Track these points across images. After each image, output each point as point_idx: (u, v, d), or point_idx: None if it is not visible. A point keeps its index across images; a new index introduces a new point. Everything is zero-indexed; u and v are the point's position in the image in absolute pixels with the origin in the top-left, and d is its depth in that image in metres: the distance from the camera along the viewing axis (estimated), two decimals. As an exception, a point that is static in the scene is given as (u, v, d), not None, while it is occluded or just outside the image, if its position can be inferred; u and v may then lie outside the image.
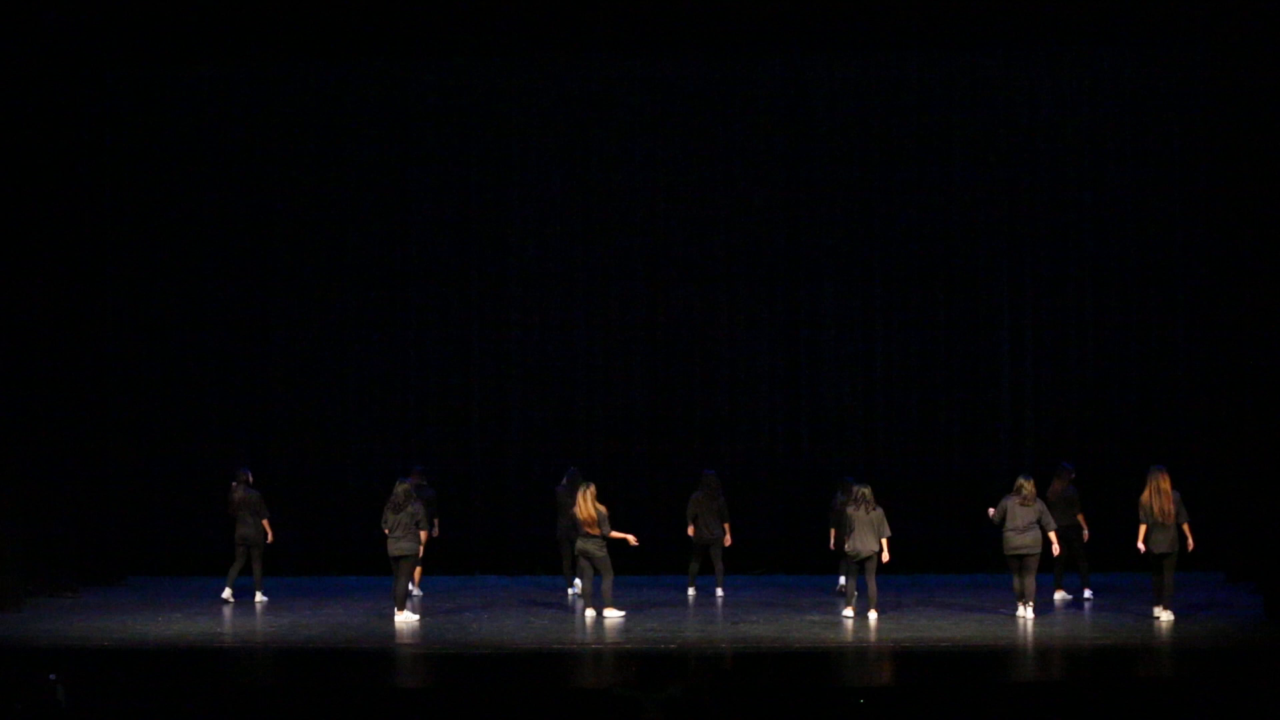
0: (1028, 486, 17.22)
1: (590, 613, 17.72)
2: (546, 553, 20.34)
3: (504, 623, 17.54)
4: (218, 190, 21.68)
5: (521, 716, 12.83)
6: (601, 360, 21.79)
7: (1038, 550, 17.15)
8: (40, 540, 19.02)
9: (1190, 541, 16.98)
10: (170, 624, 17.58)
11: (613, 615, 17.49)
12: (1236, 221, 19.75)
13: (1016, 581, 17.28)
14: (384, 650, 16.21)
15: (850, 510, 17.37)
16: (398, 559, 17.57)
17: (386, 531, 17.62)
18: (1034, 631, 16.64)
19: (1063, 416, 21.32)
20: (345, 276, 21.68)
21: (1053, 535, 17.24)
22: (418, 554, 17.74)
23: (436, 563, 19.74)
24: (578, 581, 18.88)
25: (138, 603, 18.93)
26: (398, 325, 21.72)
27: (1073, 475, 18.63)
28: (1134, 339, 21.26)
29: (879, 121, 21.47)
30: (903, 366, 21.52)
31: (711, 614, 18.16)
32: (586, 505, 17.54)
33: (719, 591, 19.26)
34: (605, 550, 17.62)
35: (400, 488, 17.72)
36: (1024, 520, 17.13)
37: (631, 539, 17.82)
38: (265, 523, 19.03)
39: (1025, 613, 17.14)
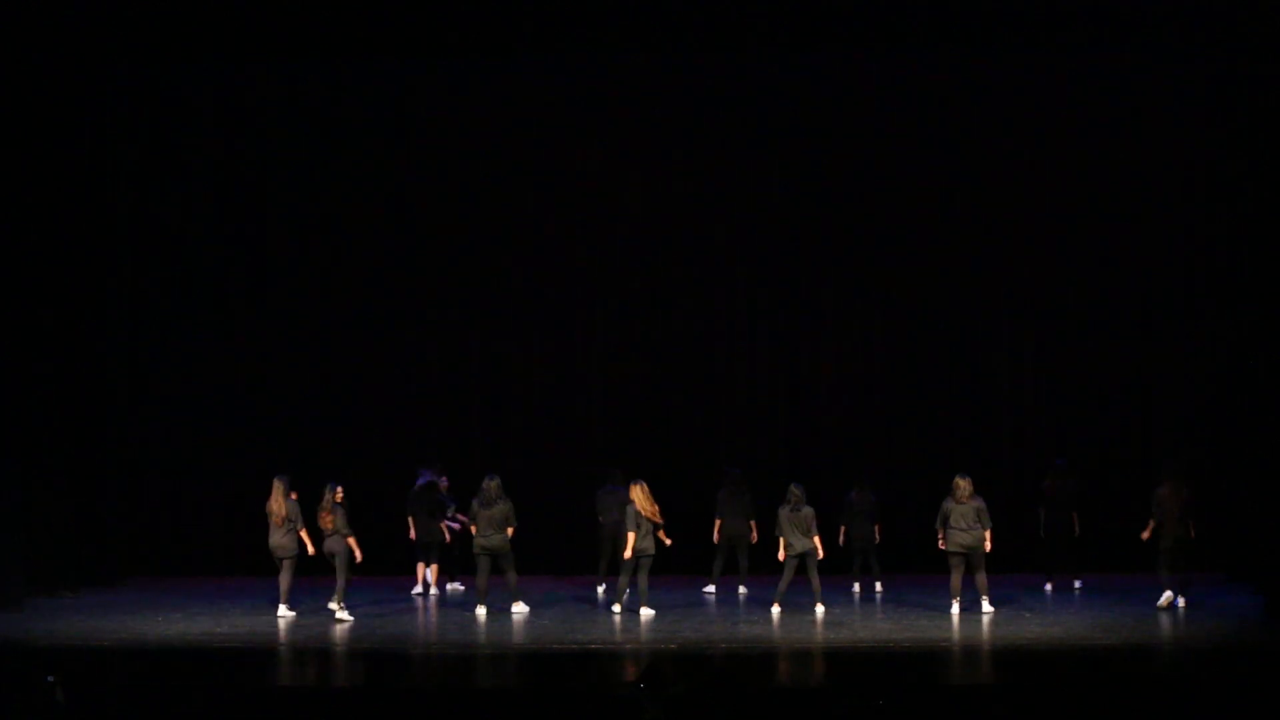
0: (965, 485, 17.58)
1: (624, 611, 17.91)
2: (547, 553, 20.35)
3: (504, 623, 17.55)
4: (216, 189, 21.65)
5: (522, 716, 12.84)
6: (602, 361, 21.79)
7: (980, 547, 17.53)
8: (40, 540, 19.01)
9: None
10: (170, 624, 17.58)
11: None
12: (1238, 223, 19.74)
13: (955, 579, 17.62)
14: (384, 650, 16.20)
15: (780, 511, 17.81)
16: (487, 554, 17.80)
17: (474, 529, 17.85)
18: (1033, 632, 16.63)
19: (1063, 417, 21.32)
20: (345, 276, 21.65)
21: (987, 534, 17.61)
22: (507, 550, 17.86)
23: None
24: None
25: (138, 603, 18.91)
26: (398, 325, 21.68)
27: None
28: (1135, 340, 21.25)
29: (880, 121, 21.44)
30: (903, 366, 21.52)
31: (712, 614, 18.15)
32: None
33: (741, 589, 19.26)
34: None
35: (490, 484, 17.80)
36: (967, 519, 17.47)
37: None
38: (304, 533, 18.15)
39: (956, 609, 17.53)
